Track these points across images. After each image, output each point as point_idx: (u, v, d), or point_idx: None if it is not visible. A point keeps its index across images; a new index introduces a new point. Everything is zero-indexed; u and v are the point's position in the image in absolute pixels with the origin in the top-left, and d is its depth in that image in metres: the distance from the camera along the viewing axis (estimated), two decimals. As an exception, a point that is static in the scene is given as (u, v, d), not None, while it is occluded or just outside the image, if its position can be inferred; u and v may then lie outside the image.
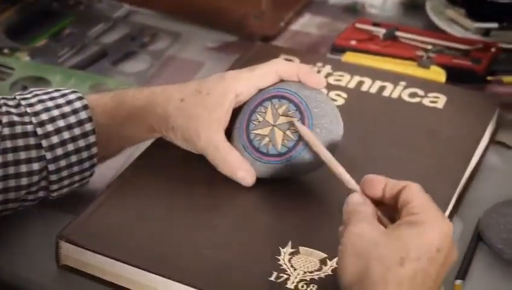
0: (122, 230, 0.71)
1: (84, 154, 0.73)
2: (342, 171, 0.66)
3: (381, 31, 1.03)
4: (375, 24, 1.05)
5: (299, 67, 0.76)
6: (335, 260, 0.66)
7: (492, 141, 0.87)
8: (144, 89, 0.77)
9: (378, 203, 0.63)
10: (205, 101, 0.74)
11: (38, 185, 0.72)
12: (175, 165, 0.78)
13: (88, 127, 0.73)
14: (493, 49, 0.99)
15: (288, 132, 0.73)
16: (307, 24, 1.11)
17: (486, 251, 0.74)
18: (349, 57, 0.98)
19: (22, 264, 0.72)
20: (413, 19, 1.11)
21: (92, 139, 0.73)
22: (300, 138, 0.72)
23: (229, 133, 0.76)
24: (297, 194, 0.74)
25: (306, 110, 0.73)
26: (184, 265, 0.67)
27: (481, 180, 0.82)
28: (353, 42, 1.02)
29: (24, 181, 0.70)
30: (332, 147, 0.72)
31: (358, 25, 1.05)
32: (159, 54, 1.04)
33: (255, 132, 0.75)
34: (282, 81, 0.76)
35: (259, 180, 0.75)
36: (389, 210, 0.62)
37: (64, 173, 0.72)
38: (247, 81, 0.75)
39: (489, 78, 0.95)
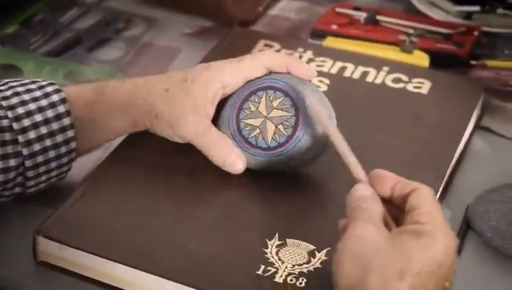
0: (102, 223, 0.68)
1: (63, 149, 0.70)
2: (353, 159, 0.62)
3: (362, 15, 1.01)
4: (356, 8, 1.03)
5: (288, 59, 0.74)
6: (324, 252, 0.65)
7: (477, 126, 0.86)
8: (126, 80, 0.74)
9: (383, 200, 0.60)
10: (190, 89, 0.72)
11: (14, 182, 0.69)
12: (154, 156, 0.75)
13: (66, 121, 0.70)
14: (476, 33, 0.97)
15: (280, 127, 0.71)
16: (286, 8, 1.09)
17: (475, 238, 0.72)
18: (330, 42, 0.96)
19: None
20: (393, 2, 1.09)
21: (70, 133, 0.70)
22: (292, 135, 0.70)
23: (215, 124, 0.74)
24: (283, 185, 0.72)
25: (301, 106, 0.71)
26: (167, 259, 0.65)
27: (468, 167, 0.80)
28: (334, 27, 0.99)
29: (0, 178, 0.67)
30: (324, 144, 0.71)
31: (338, 9, 1.03)
32: (135, 41, 1.01)
33: (245, 121, 0.72)
34: (277, 73, 0.74)
35: (243, 173, 0.72)
36: (394, 209, 0.60)
37: (42, 169, 0.69)
38: (235, 72, 0.73)
39: (472, 62, 0.93)
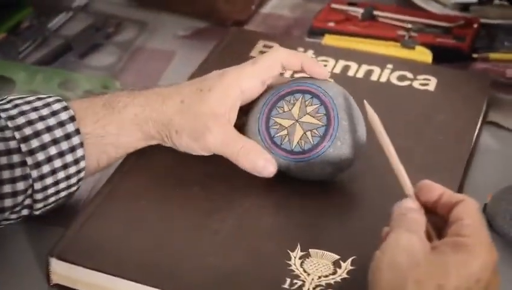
0: (117, 242, 0.66)
1: (72, 170, 0.67)
2: (403, 172, 0.62)
3: (358, 11, 1.00)
4: (351, 3, 1.02)
5: (303, 58, 0.72)
6: (349, 261, 0.63)
7: (484, 121, 0.85)
8: (136, 94, 0.72)
9: (428, 210, 0.59)
10: (208, 98, 0.70)
11: (22, 205, 0.66)
12: (164, 168, 0.73)
13: (76, 140, 0.67)
14: (475, 25, 0.96)
15: (308, 133, 0.69)
16: (278, 6, 1.07)
17: (496, 238, 0.71)
18: (328, 40, 0.94)
19: (8, 285, 0.66)
20: (388, -3, 1.08)
21: (79, 153, 0.67)
22: (318, 145, 0.69)
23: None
24: (301, 193, 0.70)
25: (334, 119, 0.69)
26: (187, 274, 0.63)
27: (479, 164, 0.79)
28: (331, 24, 0.98)
29: (8, 203, 0.64)
30: (347, 163, 0.69)
31: (334, 6, 1.01)
32: (127, 45, 0.99)
33: (276, 119, 0.70)
34: (320, 80, 0.72)
35: (259, 181, 0.70)
36: (438, 220, 0.59)
37: (51, 191, 0.67)
38: (252, 76, 0.71)
39: (475, 55, 0.92)
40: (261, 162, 0.69)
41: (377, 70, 0.86)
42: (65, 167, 0.67)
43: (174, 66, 0.96)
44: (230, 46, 0.91)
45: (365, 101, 0.66)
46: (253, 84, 0.71)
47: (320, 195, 0.70)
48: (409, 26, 0.97)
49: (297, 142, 0.69)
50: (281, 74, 0.77)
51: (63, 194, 0.68)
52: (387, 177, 0.72)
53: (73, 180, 0.68)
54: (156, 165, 0.73)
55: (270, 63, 0.71)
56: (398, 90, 0.83)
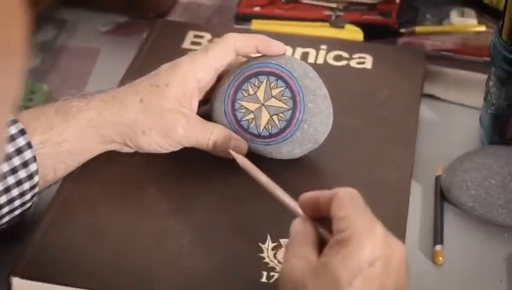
0: (79, 253, 0.64)
1: (26, 186, 0.64)
2: (284, 197, 0.60)
3: (282, -7, 0.99)
4: (271, -14, 1.01)
5: (256, 39, 0.71)
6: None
7: (421, 94, 0.86)
8: (89, 98, 0.69)
9: (321, 221, 0.57)
10: (168, 93, 0.68)
11: None
12: (116, 173, 0.71)
13: (28, 154, 0.64)
14: (397, 0, 0.97)
15: (275, 118, 0.68)
16: (197, -6, 1.05)
17: (452, 210, 0.73)
18: (257, 25, 0.93)
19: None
20: (303, -23, 1.07)
21: (33, 167, 0.64)
22: (284, 129, 0.68)
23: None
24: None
25: (301, 102, 0.68)
26: (159, 283, 0.61)
27: (423, 137, 0.80)
28: (257, 8, 0.96)
29: None
30: (312, 146, 0.69)
31: (256, -10, 1.00)
32: (49, 46, 0.94)
33: (241, 102, 0.69)
34: (286, 57, 0.71)
35: (215, 175, 0.69)
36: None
37: (5, 210, 0.63)
38: (206, 64, 0.70)
39: (402, 30, 0.93)
40: (232, 143, 0.68)
41: (312, 52, 0.86)
42: (19, 183, 0.63)
43: (101, 64, 0.92)
44: (160, 39, 0.88)
45: (230, 150, 0.66)
46: (207, 72, 0.70)
47: (284, 179, 0.69)
48: (334, 5, 0.97)
49: (265, 127, 0.69)
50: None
51: (17, 212, 0.65)
52: (354, 153, 0.72)
53: (28, 196, 0.65)
54: (106, 171, 0.71)
55: (223, 50, 0.70)
56: (337, 71, 0.84)
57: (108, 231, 0.65)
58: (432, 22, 0.96)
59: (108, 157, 0.71)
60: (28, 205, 0.66)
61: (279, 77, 0.69)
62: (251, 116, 0.69)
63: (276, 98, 0.69)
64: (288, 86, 0.69)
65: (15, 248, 0.66)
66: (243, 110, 0.69)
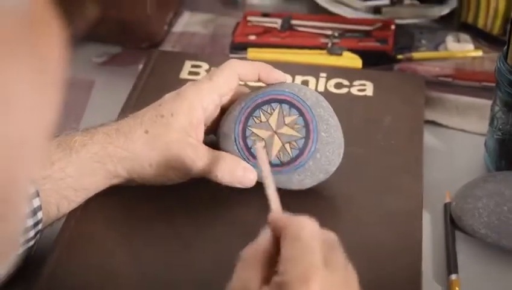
0: (91, 288, 0.61)
1: (29, 222, 0.62)
2: (273, 202, 0.57)
3: (276, 22, 0.98)
4: (265, 15, 1.00)
5: (259, 66, 0.70)
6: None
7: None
8: (93, 131, 0.67)
9: None
10: (173, 123, 0.67)
11: None
12: (123, 205, 0.69)
13: (31, 189, 0.61)
14: (393, 27, 0.97)
15: (287, 146, 0.67)
16: (189, 23, 1.04)
17: (464, 237, 0.72)
18: (253, 54, 0.93)
19: None
20: (295, 4, 1.07)
21: (36, 203, 0.62)
22: (296, 158, 0.67)
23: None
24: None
25: (314, 131, 0.67)
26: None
27: (427, 164, 0.79)
28: (252, 37, 0.96)
29: None
30: (324, 177, 0.68)
31: (249, 18, 0.99)
32: (42, 78, 0.93)
33: (253, 129, 0.68)
34: (298, 86, 0.70)
35: (228, 204, 0.68)
36: None
37: None
38: (211, 92, 0.68)
39: (399, 56, 0.93)
40: (240, 172, 0.67)
41: (312, 80, 0.85)
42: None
43: (96, 95, 0.91)
44: (157, 69, 0.87)
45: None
46: (212, 100, 0.69)
47: (292, 210, 0.68)
48: (329, 32, 0.96)
49: (276, 155, 0.67)
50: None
51: (20, 250, 0.63)
52: (362, 181, 0.71)
53: (31, 233, 0.63)
54: (111, 206, 0.69)
55: (228, 76, 0.69)
56: (338, 98, 0.83)
57: (117, 269, 0.63)
58: (427, 47, 0.96)
59: (112, 192, 0.69)
60: (32, 243, 0.64)
61: (292, 105, 0.68)
62: (262, 144, 0.68)
63: (289, 126, 0.68)
64: (301, 114, 0.68)
65: (20, 289, 0.64)
66: (254, 138, 0.68)
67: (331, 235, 0.53)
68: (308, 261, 0.49)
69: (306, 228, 0.51)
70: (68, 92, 0.97)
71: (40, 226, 0.63)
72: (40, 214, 0.63)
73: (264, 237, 0.53)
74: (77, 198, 0.67)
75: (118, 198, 0.69)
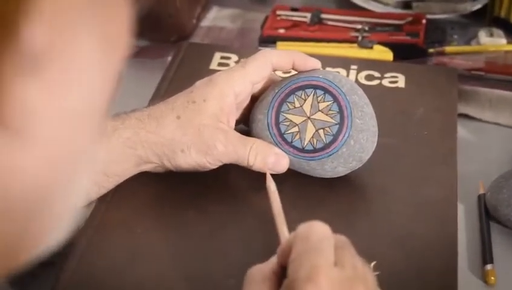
0: (119, 276, 0.61)
1: None
2: (283, 238, 0.57)
3: (305, 16, 0.97)
4: (294, 9, 1.00)
5: (293, 55, 0.69)
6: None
7: (455, 113, 0.84)
8: (124, 117, 0.67)
9: None
10: (205, 109, 0.66)
11: None
12: (153, 192, 0.68)
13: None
14: (424, 21, 0.96)
15: (321, 132, 0.66)
16: (217, 18, 1.03)
17: (499, 228, 0.70)
18: (282, 47, 0.92)
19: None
20: (324, 0, 1.06)
21: None
22: (330, 144, 0.66)
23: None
24: (305, 197, 0.67)
25: (348, 117, 0.66)
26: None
27: (460, 156, 0.78)
28: (281, 31, 0.95)
29: None
30: (357, 165, 0.67)
31: (279, 12, 0.98)
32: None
33: (286, 114, 0.67)
34: (331, 73, 0.69)
35: (259, 191, 0.67)
36: None
37: None
38: (243, 79, 0.67)
39: (431, 50, 0.92)
40: (272, 158, 0.66)
41: (342, 72, 0.84)
42: None
43: (124, 88, 0.89)
44: (186, 61, 0.86)
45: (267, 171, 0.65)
46: (244, 87, 0.68)
47: (325, 199, 0.67)
48: (359, 26, 0.95)
49: (309, 141, 0.66)
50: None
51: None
52: (396, 172, 0.70)
53: None
54: (141, 192, 0.68)
55: (260, 64, 0.68)
56: (370, 90, 0.80)
57: (148, 253, 0.63)
58: (459, 42, 0.95)
59: (143, 178, 0.68)
60: None
61: (326, 91, 0.67)
62: (296, 129, 0.67)
63: (323, 112, 0.67)
64: (336, 100, 0.67)
65: (48, 274, 0.63)
66: (287, 123, 0.67)
67: (342, 237, 0.52)
68: (316, 260, 0.48)
69: (316, 229, 0.51)
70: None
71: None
72: None
73: (272, 260, 0.53)
74: (108, 184, 0.66)
75: (149, 184, 0.68)
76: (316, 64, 0.70)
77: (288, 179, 0.67)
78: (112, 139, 0.65)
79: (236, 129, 0.70)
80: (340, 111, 0.66)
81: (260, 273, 0.51)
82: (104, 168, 0.64)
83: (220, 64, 0.86)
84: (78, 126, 0.33)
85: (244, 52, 0.88)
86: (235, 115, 0.68)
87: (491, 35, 0.94)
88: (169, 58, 0.89)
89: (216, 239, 0.64)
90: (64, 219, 0.35)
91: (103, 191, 0.66)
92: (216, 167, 0.67)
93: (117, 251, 0.63)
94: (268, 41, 0.94)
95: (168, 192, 0.68)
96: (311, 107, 0.67)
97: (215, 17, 1.03)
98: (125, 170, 0.66)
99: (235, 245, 0.63)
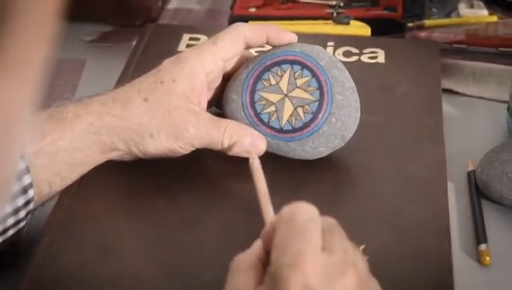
0: (88, 274, 0.56)
1: (20, 201, 0.56)
2: (268, 219, 0.53)
3: (277, -7, 0.93)
4: (265, -13, 0.95)
5: (267, 29, 0.64)
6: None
7: (439, 88, 0.80)
8: (87, 101, 0.62)
9: None
10: (174, 89, 0.61)
11: None
12: (121, 182, 0.63)
13: (21, 165, 0.56)
14: (401, -5, 0.92)
15: (300, 110, 0.61)
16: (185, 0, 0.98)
17: (491, 205, 0.66)
18: (254, 26, 0.87)
19: None
20: (295, -22, 1.02)
21: (26, 180, 0.56)
22: (310, 123, 0.61)
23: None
24: (283, 179, 0.63)
25: (328, 93, 0.61)
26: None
27: (446, 132, 0.73)
28: (252, 10, 0.90)
29: None
30: (339, 144, 0.62)
31: (249, -9, 0.94)
32: (30, 58, 0.87)
33: (261, 93, 0.62)
34: (309, 46, 0.64)
35: (235, 177, 0.62)
36: None
37: None
38: (214, 56, 0.63)
39: (410, 24, 0.88)
40: (248, 140, 0.61)
41: (319, 49, 0.80)
42: (12, 198, 0.55)
43: (88, 75, 0.85)
44: (153, 43, 0.81)
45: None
46: (215, 64, 0.63)
47: (308, 181, 0.63)
48: (333, 2, 0.91)
49: (287, 120, 0.62)
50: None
51: (10, 232, 0.57)
52: (382, 150, 0.66)
53: (22, 213, 0.57)
54: (108, 182, 0.63)
55: (232, 39, 0.64)
56: (348, 66, 0.75)
57: (118, 248, 0.58)
58: (438, 15, 0.91)
59: (109, 167, 0.63)
60: (23, 224, 0.58)
61: (304, 66, 0.62)
62: (272, 108, 0.62)
63: (301, 89, 0.62)
64: (314, 75, 0.62)
65: (10, 273, 0.58)
66: (263, 102, 0.62)
67: (331, 220, 0.48)
68: (301, 244, 0.44)
69: (301, 211, 0.46)
70: (58, 72, 0.92)
71: (31, 206, 0.58)
72: (31, 192, 0.57)
73: (257, 245, 0.48)
74: (71, 174, 0.61)
75: (116, 174, 0.63)
76: (292, 38, 0.65)
77: (267, 163, 0.62)
78: (74, 125, 0.60)
79: (208, 112, 0.65)
80: (320, 87, 0.62)
81: (245, 261, 0.46)
82: (67, 157, 0.59)
83: (188, 46, 0.81)
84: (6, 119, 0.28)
85: (214, 33, 0.83)
86: (207, 95, 0.64)
87: (472, 6, 0.90)
88: (135, 42, 0.84)
89: (191, 230, 0.59)
90: None
91: (67, 182, 0.61)
92: (188, 152, 0.62)
93: (85, 247, 0.58)
94: (239, 21, 0.88)
95: (137, 181, 0.63)
96: (288, 83, 0.62)
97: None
98: (90, 158, 0.61)
99: (212, 235, 0.59)
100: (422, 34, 0.86)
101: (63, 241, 0.58)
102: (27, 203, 0.57)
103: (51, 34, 0.30)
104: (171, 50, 0.80)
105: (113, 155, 0.62)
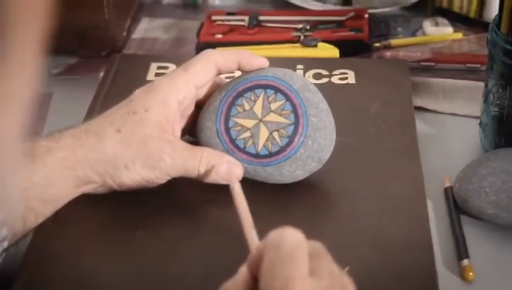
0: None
1: None
2: (253, 245, 0.53)
3: (243, 19, 0.93)
4: (230, 13, 0.95)
5: (238, 54, 0.64)
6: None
7: (410, 106, 0.80)
8: (59, 135, 0.60)
9: None
10: (148, 118, 0.60)
11: None
12: (97, 215, 0.62)
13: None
14: (366, 16, 0.92)
15: (275, 134, 0.61)
16: (149, 29, 0.98)
17: (470, 221, 0.66)
18: (222, 53, 0.86)
19: None
20: (259, 2, 1.02)
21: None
22: (286, 147, 0.60)
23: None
24: (262, 204, 0.61)
25: (303, 116, 0.61)
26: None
27: (422, 151, 0.73)
28: (219, 36, 0.90)
29: None
30: (316, 166, 0.62)
31: (214, 17, 0.93)
32: (-5, 94, 0.85)
33: (236, 119, 0.61)
34: (281, 70, 0.64)
35: (213, 205, 0.61)
36: None
37: None
38: (186, 84, 0.62)
39: (377, 44, 0.88)
40: (224, 167, 0.60)
41: (289, 73, 0.79)
42: None
43: (55, 108, 0.84)
44: (121, 74, 0.80)
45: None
46: (188, 91, 0.62)
47: (286, 206, 0.62)
48: (299, 26, 0.91)
49: (264, 145, 0.61)
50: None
51: None
52: (359, 170, 0.66)
53: None
54: (84, 216, 0.62)
55: (204, 66, 0.63)
56: (320, 88, 0.76)
57: (96, 283, 0.56)
58: (404, 35, 0.92)
59: (85, 201, 0.62)
60: None
61: (277, 90, 0.62)
62: (248, 133, 0.61)
63: (275, 113, 0.61)
64: (288, 99, 0.62)
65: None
66: (238, 128, 0.62)
67: (317, 244, 0.47)
68: (290, 270, 0.43)
69: (288, 237, 0.45)
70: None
71: (5, 244, 0.56)
72: (4, 230, 0.55)
73: (243, 272, 0.47)
74: (45, 210, 0.60)
75: (90, 207, 0.62)
76: (264, 62, 0.65)
77: (245, 188, 0.61)
78: (46, 160, 0.58)
79: (182, 140, 0.64)
80: (294, 110, 0.61)
81: (232, 289, 0.45)
82: (40, 193, 0.58)
83: (157, 74, 0.80)
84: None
85: (182, 61, 0.82)
86: (180, 123, 0.63)
87: (437, 24, 0.91)
88: (102, 74, 0.83)
89: (171, 260, 0.58)
90: None
91: (40, 219, 0.59)
92: (164, 181, 0.61)
93: (62, 285, 0.56)
94: (206, 48, 0.88)
95: (113, 214, 0.62)
96: (263, 108, 0.62)
97: (146, 28, 0.98)
98: (64, 193, 0.60)
99: (193, 265, 0.57)
100: (388, 54, 0.87)
101: (38, 281, 0.56)
102: (1, 241, 0.55)
103: (37, 65, 0.29)
104: (140, 79, 0.79)
105: (88, 188, 0.61)
